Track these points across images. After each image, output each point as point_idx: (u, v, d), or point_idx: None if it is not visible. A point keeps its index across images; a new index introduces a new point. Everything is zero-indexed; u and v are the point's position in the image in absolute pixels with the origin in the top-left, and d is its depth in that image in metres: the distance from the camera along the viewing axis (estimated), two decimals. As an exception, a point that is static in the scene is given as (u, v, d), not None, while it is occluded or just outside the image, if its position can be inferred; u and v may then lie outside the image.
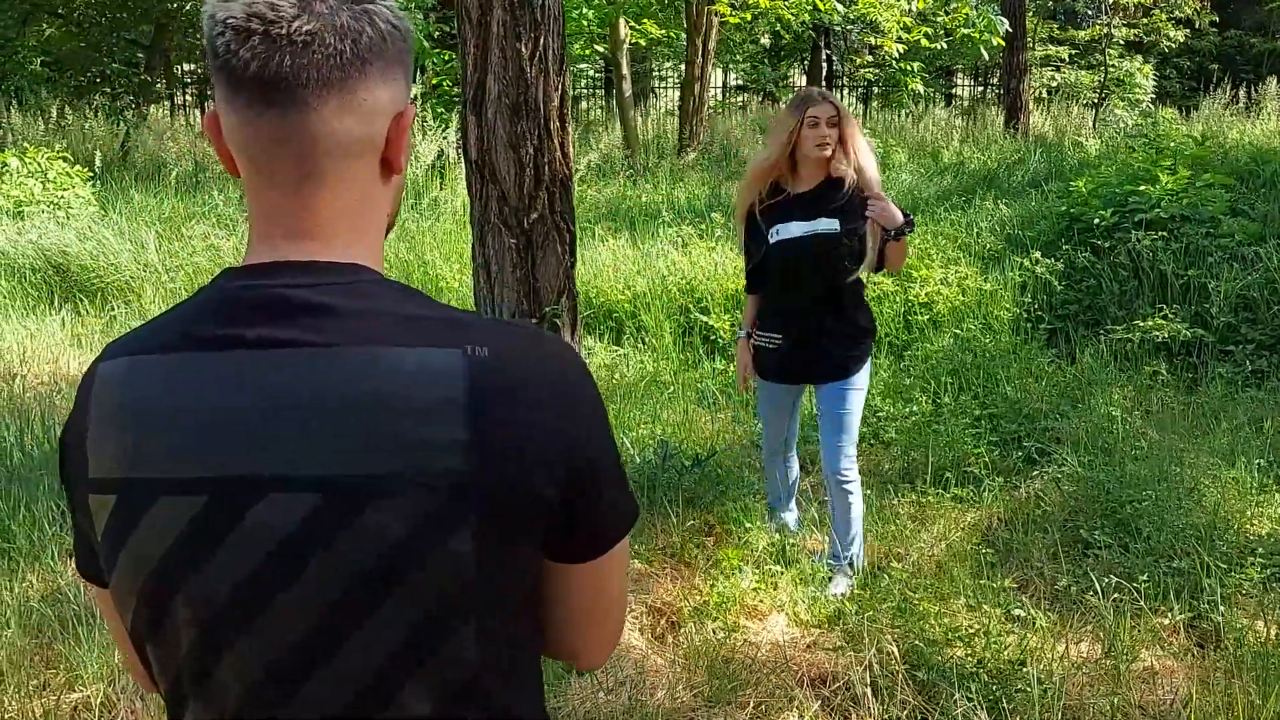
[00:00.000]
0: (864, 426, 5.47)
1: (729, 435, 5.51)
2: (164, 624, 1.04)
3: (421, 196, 10.70)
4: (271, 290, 1.03)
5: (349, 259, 1.07)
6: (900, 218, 3.73)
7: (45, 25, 17.96)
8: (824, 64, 22.80)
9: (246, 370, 1.02)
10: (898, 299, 7.25)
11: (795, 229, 3.85)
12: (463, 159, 5.02)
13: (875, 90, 22.77)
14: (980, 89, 25.06)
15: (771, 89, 21.51)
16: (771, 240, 3.89)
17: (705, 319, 7.31)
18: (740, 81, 25.24)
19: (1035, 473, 4.94)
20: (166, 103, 20.08)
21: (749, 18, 14.03)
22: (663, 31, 15.43)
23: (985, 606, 3.74)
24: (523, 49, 4.57)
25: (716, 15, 14.50)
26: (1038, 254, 7.50)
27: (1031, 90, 18.61)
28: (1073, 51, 21.22)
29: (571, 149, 4.85)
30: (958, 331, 6.76)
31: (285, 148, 1.04)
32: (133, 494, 1.03)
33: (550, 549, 1.10)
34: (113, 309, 8.07)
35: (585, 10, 12.76)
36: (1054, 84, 20.81)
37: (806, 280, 3.87)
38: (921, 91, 13.69)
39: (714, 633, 3.67)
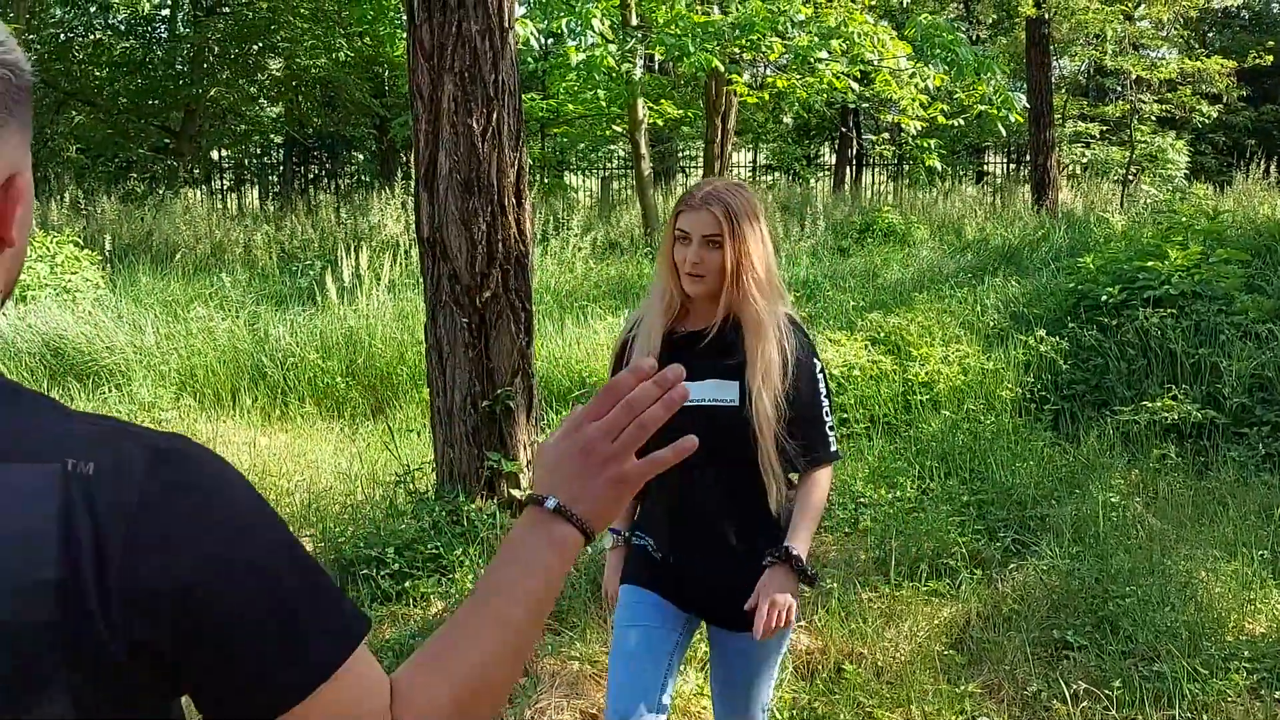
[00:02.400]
0: (841, 512, 5.21)
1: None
2: None
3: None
4: None
5: None
6: (793, 587, 2.39)
7: (76, 113, 18.34)
8: (853, 143, 22.81)
9: None
10: (896, 378, 7.01)
11: None
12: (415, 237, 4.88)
13: (905, 168, 22.70)
14: (1012, 166, 24.91)
15: (796, 168, 21.46)
16: None
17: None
18: (769, 161, 25.27)
19: (1017, 565, 4.64)
20: (202, 186, 20.43)
21: (766, 97, 14.01)
22: (681, 112, 15.43)
23: (946, 714, 3.45)
24: (474, 124, 4.45)
25: (735, 95, 14.50)
26: (1042, 332, 7.23)
27: (1062, 167, 18.43)
28: (1103, 128, 21.03)
29: (530, 225, 4.70)
30: (950, 413, 6.48)
31: None
32: None
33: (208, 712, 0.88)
34: (104, 392, 8.00)
35: (598, 92, 12.78)
36: (1084, 160, 20.59)
37: (697, 473, 2.42)
38: (939, 168, 13.48)
39: (649, 741, 3.39)
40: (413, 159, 4.78)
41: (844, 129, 21.82)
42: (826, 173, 24.48)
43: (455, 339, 4.54)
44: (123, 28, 19.63)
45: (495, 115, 4.49)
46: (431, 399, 4.83)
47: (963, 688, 3.65)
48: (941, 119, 12.45)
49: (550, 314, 8.48)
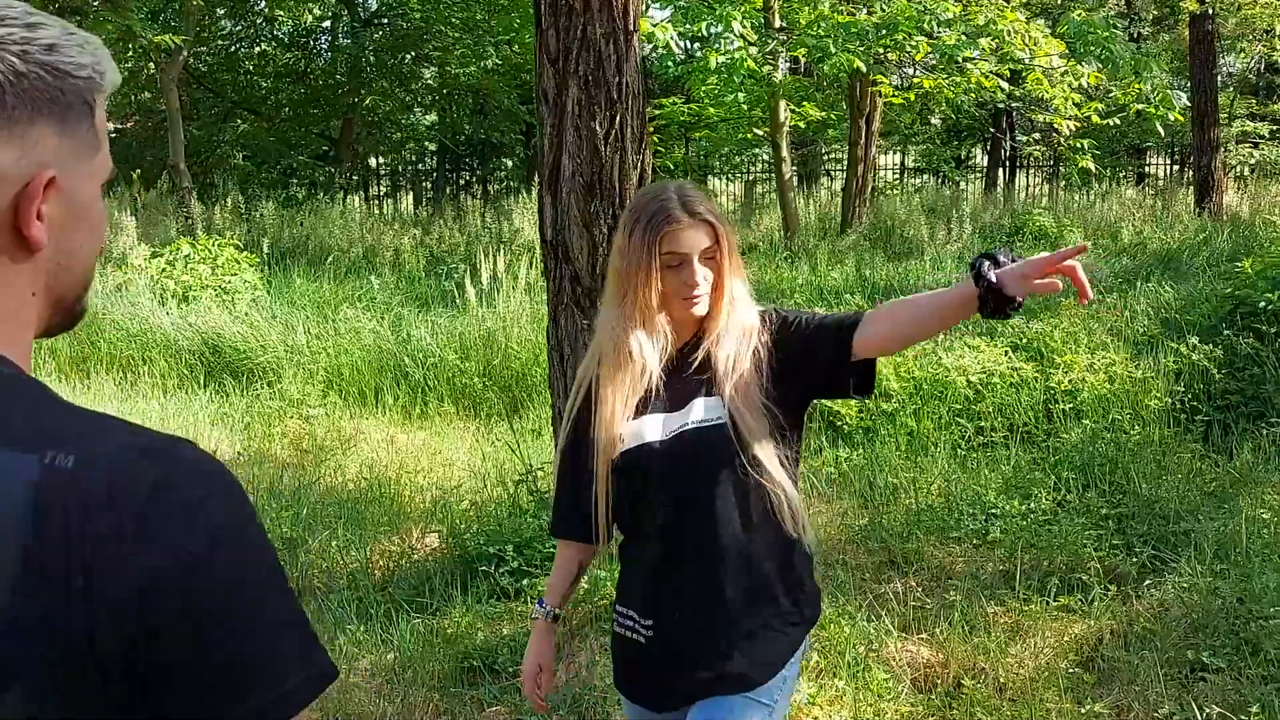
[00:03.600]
0: (970, 523, 5.07)
1: (826, 530, 5.18)
2: None
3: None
4: None
5: None
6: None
7: (242, 121, 19.20)
8: (1006, 144, 22.18)
9: None
10: (1037, 386, 6.78)
11: (653, 427, 2.15)
12: (539, 239, 4.94)
13: (1060, 170, 21.95)
14: (1175, 168, 23.85)
15: (945, 170, 20.97)
16: (623, 449, 2.16)
17: (829, 404, 6.99)
18: (917, 164, 24.78)
19: (1154, 581, 4.42)
20: (360, 193, 21.13)
21: (912, 98, 13.73)
22: (824, 114, 15.25)
23: (1068, 735, 3.32)
24: (597, 127, 4.48)
25: (880, 96, 14.26)
26: (1195, 339, 6.89)
27: (1228, 169, 17.56)
28: (1273, 127, 19.96)
29: (651, 229, 4.70)
30: (1093, 423, 6.22)
31: None
32: None
33: None
34: (256, 388, 8.34)
35: (739, 95, 12.73)
36: (1251, 161, 19.57)
37: (687, 515, 2.13)
38: (1094, 169, 12.98)
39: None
40: (539, 162, 4.83)
41: (995, 130, 21.22)
42: (978, 175, 23.86)
43: (576, 341, 4.57)
44: (286, 39, 20.48)
45: (618, 118, 4.51)
46: (553, 400, 4.88)
47: (1089, 707, 3.51)
48: (1096, 119, 11.98)
49: (683, 317, 8.47)
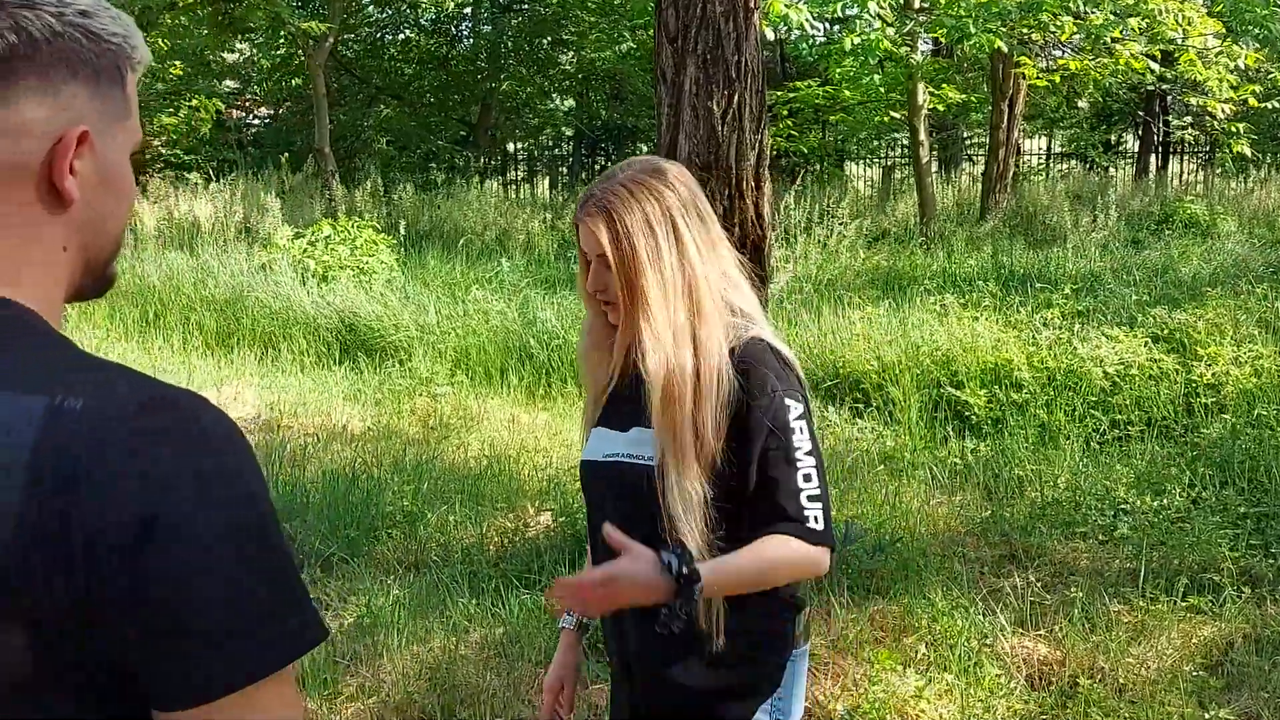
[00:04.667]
0: (1098, 518, 4.88)
1: (945, 521, 5.06)
2: None
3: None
4: None
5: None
6: (657, 583, 1.62)
7: (384, 107, 19.68)
8: (1158, 129, 21.26)
9: None
10: (1178, 378, 6.49)
11: (600, 443, 1.93)
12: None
13: (1216, 156, 20.96)
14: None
15: (1092, 155, 20.22)
16: (582, 457, 2.00)
17: (958, 393, 6.82)
18: (1064, 148, 23.95)
19: (1296, 585, 4.19)
20: (497, 177, 21.48)
21: (1058, 80, 13.26)
22: (965, 96, 14.85)
23: (1189, 741, 3.17)
24: (714, 107, 4.44)
25: (1023, 79, 13.83)
26: (1353, 332, 6.51)
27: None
28: None
29: (769, 210, 4.65)
30: (1236, 418, 5.92)
31: None
32: None
33: (123, 680, 0.86)
34: (388, 366, 8.55)
35: (875, 77, 12.48)
36: None
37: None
38: (1249, 155, 12.34)
39: (859, 739, 3.30)
40: (657, 142, 4.81)
41: (1147, 114, 20.36)
42: (1128, 161, 22.94)
43: (691, 322, 4.55)
44: (429, 26, 20.91)
45: (736, 97, 4.45)
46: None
47: (1213, 713, 3.34)
48: (1254, 101, 11.39)
49: (808, 303, 8.37)
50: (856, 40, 11.03)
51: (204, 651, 0.84)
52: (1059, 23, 11.28)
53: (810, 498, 1.74)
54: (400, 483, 5.58)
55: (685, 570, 1.59)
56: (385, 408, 7.54)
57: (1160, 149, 22.29)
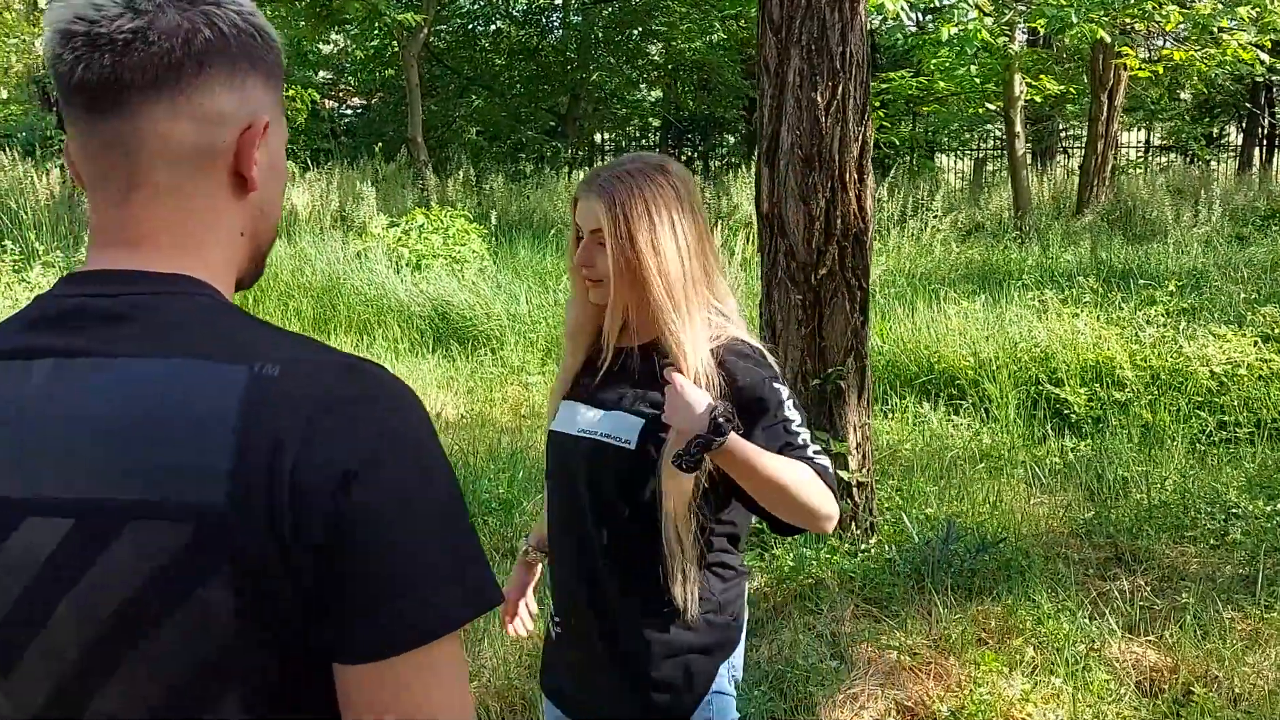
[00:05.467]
0: (1209, 522, 4.74)
1: (1048, 521, 4.96)
2: None
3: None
4: (73, 299, 0.97)
5: (172, 270, 0.98)
6: (700, 419, 1.69)
7: (476, 97, 19.86)
8: (1264, 121, 20.59)
9: (27, 381, 0.94)
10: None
11: (572, 416, 1.98)
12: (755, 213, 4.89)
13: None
14: None
15: (1194, 149, 19.65)
16: (550, 426, 2.05)
17: (1057, 391, 6.68)
18: (1163, 141, 23.32)
19: None
20: (585, 168, 21.54)
21: (1160, 71, 12.91)
22: (1063, 87, 14.52)
23: (1310, 754, 3.06)
24: (818, 99, 4.39)
25: (1124, 69, 13.49)
26: None
27: None
28: None
29: (871, 202, 4.59)
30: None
31: (112, 155, 0.97)
32: None
33: (311, 633, 0.90)
34: (480, 355, 8.63)
35: (971, 68, 12.27)
36: None
37: (583, 516, 1.94)
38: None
39: (963, 741, 3.25)
40: (757, 134, 4.78)
41: (1253, 106, 19.73)
42: (1231, 154, 22.27)
43: (789, 315, 4.51)
44: (520, 17, 21.04)
45: (840, 89, 4.40)
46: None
47: (1334, 727, 3.23)
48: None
49: (902, 296, 8.26)
50: (954, 30, 10.85)
51: (394, 602, 0.88)
52: (1164, 12, 10.98)
53: (819, 462, 1.81)
54: (496, 470, 5.63)
55: (722, 420, 1.67)
56: (478, 396, 7.62)
57: (1265, 142, 21.60)
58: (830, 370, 4.47)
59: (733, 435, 1.69)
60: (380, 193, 13.84)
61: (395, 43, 16.69)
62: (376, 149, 15.70)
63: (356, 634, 0.89)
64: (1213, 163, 20.43)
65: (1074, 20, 10.34)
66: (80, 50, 0.94)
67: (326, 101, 20.18)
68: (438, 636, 0.89)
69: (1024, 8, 11.97)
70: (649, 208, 1.84)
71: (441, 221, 11.41)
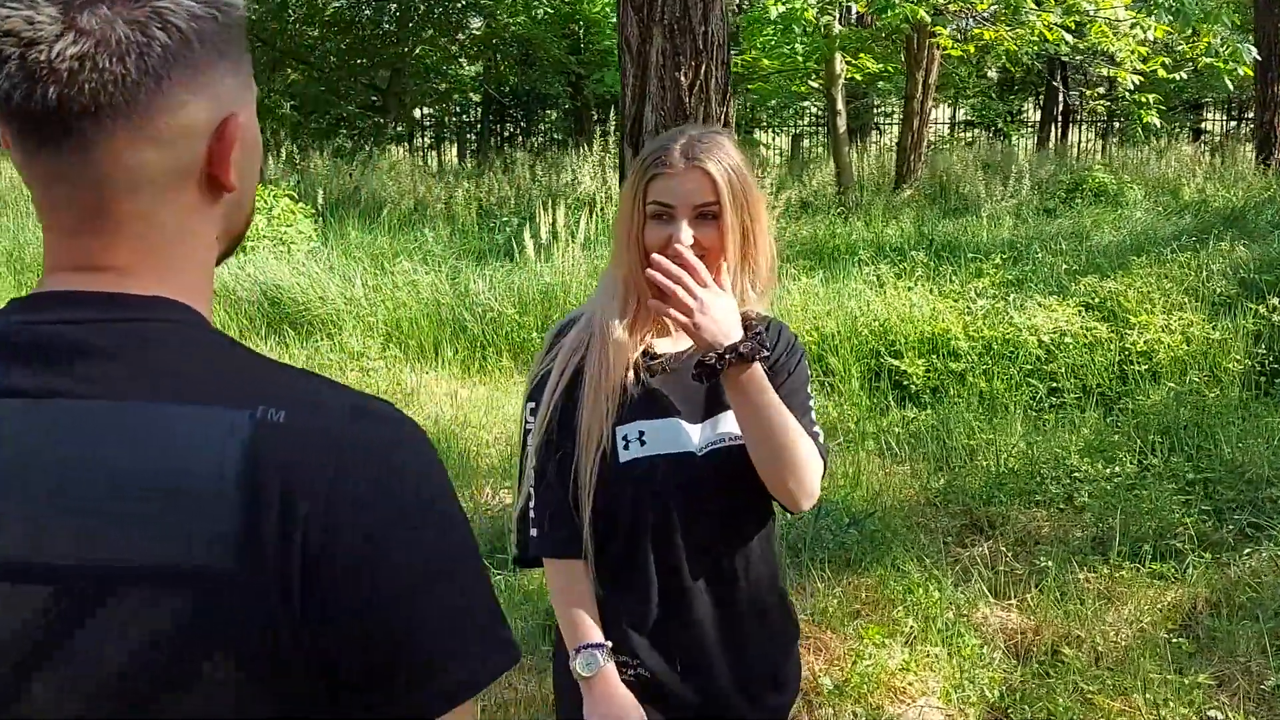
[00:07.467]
0: (1054, 486, 4.98)
1: (902, 491, 5.11)
2: None
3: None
4: (44, 326, 0.84)
5: (150, 292, 0.86)
6: (735, 331, 1.67)
7: (290, 71, 19.12)
8: (1059, 98, 21.73)
9: None
10: (1112, 346, 6.64)
11: (670, 434, 1.81)
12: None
13: (1115, 125, 21.53)
14: (1233, 124, 23.32)
15: (999, 124, 20.60)
16: (622, 457, 1.80)
17: (897, 363, 6.89)
18: (969, 117, 24.36)
19: (1252, 550, 4.32)
20: (406, 144, 21.04)
21: (972, 50, 13.44)
22: (880, 66, 14.98)
23: (1173, 705, 3.24)
24: (682, 78, 4.37)
25: (938, 48, 13.98)
26: (1276, 300, 6.72)
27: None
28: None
29: (734, 183, 4.59)
30: (1171, 385, 6.09)
31: (66, 186, 0.85)
32: None
33: (322, 706, 0.82)
34: (316, 341, 8.33)
35: (796, 46, 12.50)
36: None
37: (697, 540, 1.82)
38: (1158, 125, 12.69)
39: (853, 715, 3.32)
40: (620, 114, 4.73)
41: (1051, 83, 20.79)
42: (1030, 130, 23.44)
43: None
44: (333, -12, 20.32)
45: (703, 68, 4.40)
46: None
47: (1191, 677, 3.43)
48: (1163, 72, 11.68)
49: (745, 273, 8.35)
50: (781, 9, 11.02)
51: (421, 670, 0.82)
52: (977, -7, 11.41)
53: (823, 443, 1.83)
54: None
55: (757, 343, 1.65)
56: (318, 384, 7.34)
57: (1061, 118, 22.81)
58: (700, 351, 4.47)
59: (758, 365, 1.66)
60: (194, 171, 13.18)
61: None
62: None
63: (379, 706, 0.82)
64: (1014, 138, 21.46)
65: (895, 1, 10.64)
66: (15, 76, 0.80)
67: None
68: (461, 701, 0.84)
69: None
70: (749, 176, 1.81)
71: (265, 201, 10.96)
